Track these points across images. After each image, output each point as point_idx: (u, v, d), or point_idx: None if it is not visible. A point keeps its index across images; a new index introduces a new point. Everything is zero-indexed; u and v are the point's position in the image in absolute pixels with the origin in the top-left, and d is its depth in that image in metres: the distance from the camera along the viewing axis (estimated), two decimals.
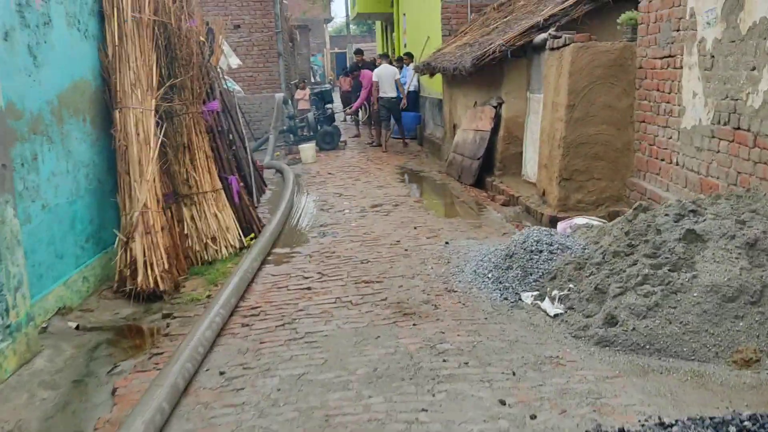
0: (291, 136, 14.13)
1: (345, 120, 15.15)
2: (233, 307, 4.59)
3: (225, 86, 11.19)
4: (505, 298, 4.53)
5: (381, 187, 9.33)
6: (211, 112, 6.37)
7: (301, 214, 7.87)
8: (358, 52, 15.75)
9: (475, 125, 9.47)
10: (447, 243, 6.06)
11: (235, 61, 11.65)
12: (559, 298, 4.24)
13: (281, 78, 16.51)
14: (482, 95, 9.75)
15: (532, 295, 4.47)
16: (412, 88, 14.91)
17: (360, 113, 15.29)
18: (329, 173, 10.77)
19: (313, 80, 38.51)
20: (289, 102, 13.99)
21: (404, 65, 15.95)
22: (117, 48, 5.58)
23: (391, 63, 16.51)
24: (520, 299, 4.50)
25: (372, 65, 15.22)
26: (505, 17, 10.56)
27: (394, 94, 13.74)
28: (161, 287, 5.02)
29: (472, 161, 9.18)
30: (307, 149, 12.33)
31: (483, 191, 8.70)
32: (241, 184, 6.72)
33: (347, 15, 31.83)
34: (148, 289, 4.98)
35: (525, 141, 8.48)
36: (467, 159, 9.42)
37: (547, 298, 4.33)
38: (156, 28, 5.82)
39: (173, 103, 5.85)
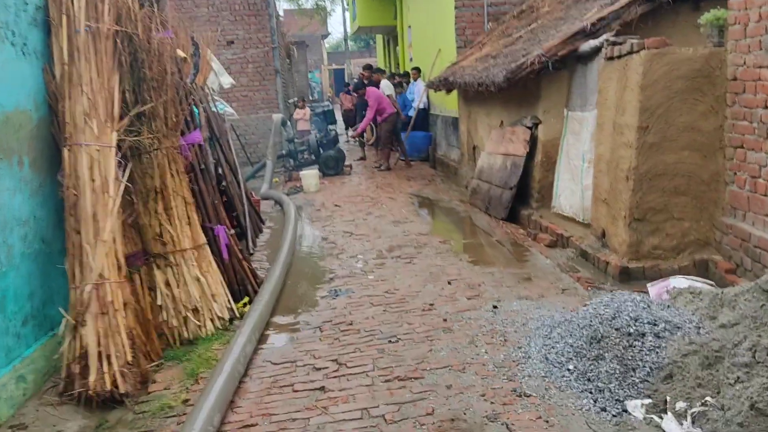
0: (291, 160, 12.86)
1: (348, 141, 13.83)
2: (217, 427, 3.26)
3: (215, 109, 9.95)
4: (603, 409, 3.20)
5: (397, 222, 8.01)
6: (192, 146, 5.06)
7: (305, 261, 6.56)
8: (368, 67, 14.47)
9: (505, 149, 8.18)
10: (495, 307, 4.74)
11: (227, 80, 10.38)
12: (691, 416, 2.91)
13: (278, 97, 15.26)
14: (510, 114, 8.48)
15: (642, 405, 3.15)
16: (421, 106, 13.67)
17: (365, 135, 14.02)
18: (336, 204, 9.47)
19: (311, 98, 37.42)
20: (288, 123, 12.73)
21: (411, 80, 14.76)
22: (67, 67, 4.29)
23: (391, 78, 15.32)
24: (626, 410, 3.17)
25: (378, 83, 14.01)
26: (529, 25, 9.30)
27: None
28: (122, 388, 3.70)
29: (503, 191, 7.88)
30: (310, 177, 11.03)
31: (519, 227, 7.39)
32: (232, 231, 5.40)
33: (345, 30, 30.77)
34: (103, 392, 3.66)
35: (558, 166, 7.19)
36: (496, 188, 8.12)
37: (669, 414, 3.00)
38: (119, 41, 4.53)
39: (141, 137, 4.55)
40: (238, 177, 7.57)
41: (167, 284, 4.49)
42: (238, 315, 4.86)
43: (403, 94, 14.72)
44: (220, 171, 6.97)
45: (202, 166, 4.97)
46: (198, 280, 4.53)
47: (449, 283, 5.41)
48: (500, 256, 6.33)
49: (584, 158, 6.50)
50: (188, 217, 4.63)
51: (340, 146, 12.95)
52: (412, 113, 14.22)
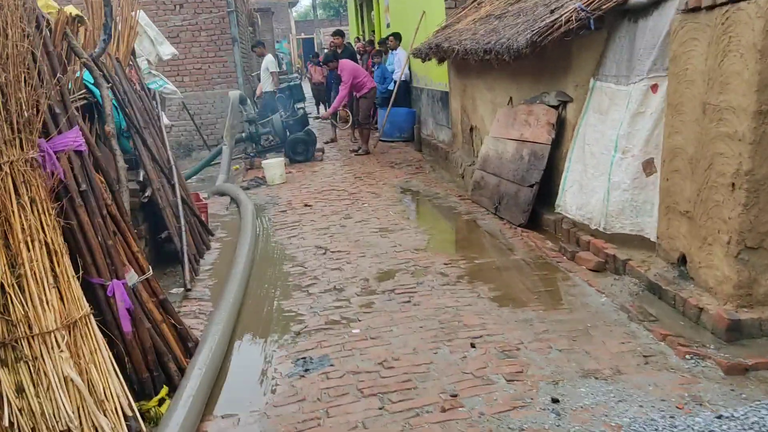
0: (252, 145, 10.95)
1: (318, 119, 11.90)
2: None
3: (154, 87, 8.02)
4: None
5: (385, 230, 6.24)
6: (66, 155, 3.17)
7: (262, 300, 4.77)
8: (338, 33, 12.46)
9: (519, 133, 6.43)
10: (556, 401, 3.03)
11: (167, 51, 8.43)
12: None
13: (238, 70, 13.26)
14: (522, 89, 6.71)
15: None
16: (403, 78, 11.81)
17: (339, 114, 12.14)
18: (305, 204, 7.64)
19: (278, 70, 35.16)
20: (248, 101, 10.81)
21: (390, 50, 12.87)
22: None
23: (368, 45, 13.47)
24: None
25: (352, 53, 12.05)
26: None
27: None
28: None
29: (520, 189, 6.14)
30: (273, 166, 9.17)
31: (543, 236, 5.68)
32: (145, 276, 3.56)
33: None
34: None
35: (570, 153, 5.49)
36: (509, 184, 6.38)
37: None
38: None
39: None
40: (174, 179, 5.71)
41: (19, 391, 2.68)
42: (154, 415, 3.09)
43: (381, 65, 12.84)
44: (144, 173, 5.12)
45: (83, 187, 3.11)
46: (72, 380, 2.72)
47: (473, 346, 3.67)
48: (532, 286, 4.60)
49: (616, 146, 4.80)
50: (55, 276, 2.80)
51: (310, 127, 11.07)
52: (392, 87, 12.37)
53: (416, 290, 4.62)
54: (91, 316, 2.92)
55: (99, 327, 2.94)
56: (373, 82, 10.94)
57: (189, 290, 4.78)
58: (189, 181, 10.63)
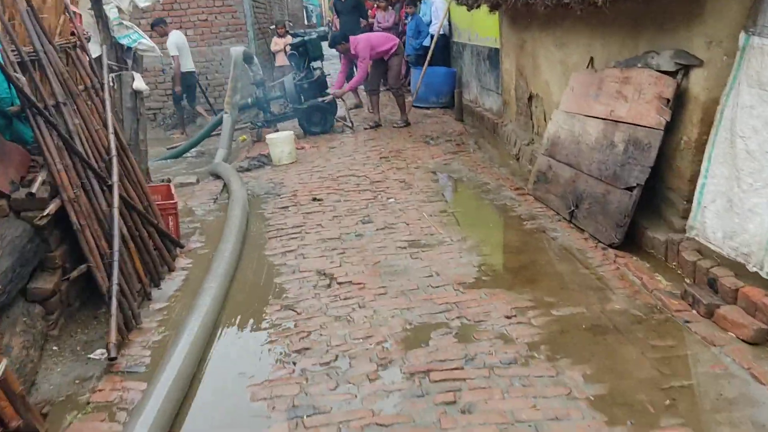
0: (261, 113, 9.16)
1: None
2: None
3: (118, 42, 6.30)
4: None
5: (416, 246, 4.45)
6: None
7: (224, 387, 3.08)
8: None
9: (610, 110, 4.53)
10: None
11: None
12: None
13: (248, 22, 11.40)
14: (611, 44, 4.79)
15: None
16: (441, 31, 9.85)
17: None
18: (314, 198, 5.87)
19: (306, 23, 33.01)
20: (254, 59, 8.99)
21: None
22: None
23: None
24: None
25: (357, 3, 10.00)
26: None
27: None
28: None
29: (610, 190, 4.28)
30: (280, 143, 7.40)
31: (648, 264, 3.84)
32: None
33: None
34: None
35: (710, 150, 3.59)
36: (594, 181, 4.51)
37: None
38: None
39: None
40: (114, 177, 3.98)
41: None
42: None
43: (416, 15, 10.86)
44: (41, 180, 3.42)
45: None
46: None
47: None
48: (657, 375, 2.81)
49: None
50: None
51: (330, 91, 9.23)
52: (428, 42, 10.43)
53: (465, 376, 2.87)
54: None
55: None
56: (394, 38, 9.00)
57: (113, 359, 3.11)
58: (187, 155, 8.98)
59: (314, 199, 5.78)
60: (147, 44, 6.52)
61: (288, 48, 8.76)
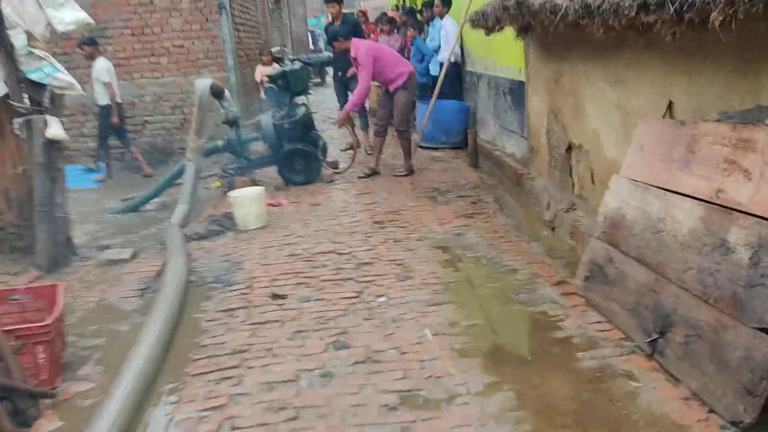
0: (239, 158, 7.54)
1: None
2: None
3: (26, 77, 4.78)
4: None
5: (415, 405, 2.81)
6: None
7: None
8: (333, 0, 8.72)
9: (714, 188, 2.89)
10: None
11: (71, 17, 5.08)
12: None
13: (226, 47, 9.88)
14: (708, 85, 3.16)
15: None
16: (452, 59, 8.29)
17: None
18: (274, 294, 4.20)
19: (312, 48, 31.64)
20: (225, 93, 7.42)
21: (434, 17, 9.39)
22: None
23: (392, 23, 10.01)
24: None
25: (353, 27, 8.42)
26: None
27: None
28: None
29: (731, 325, 2.61)
30: (245, 203, 5.79)
31: None
32: None
33: None
34: None
35: None
36: (697, 303, 2.85)
37: None
38: None
39: None
40: None
41: None
42: None
43: (417, 39, 9.35)
44: None
45: None
46: None
47: None
48: None
49: None
50: None
51: (316, 132, 7.64)
52: (435, 72, 8.92)
53: None
54: None
55: None
56: (408, 64, 7.45)
57: None
58: (150, 205, 7.43)
59: (275, 296, 4.14)
60: (64, 79, 4.96)
61: (265, 80, 7.20)
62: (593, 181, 4.61)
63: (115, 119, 8.90)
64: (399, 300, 3.95)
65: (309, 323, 3.72)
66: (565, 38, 4.53)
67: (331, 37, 7.45)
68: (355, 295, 4.07)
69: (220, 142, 7.46)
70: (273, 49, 13.89)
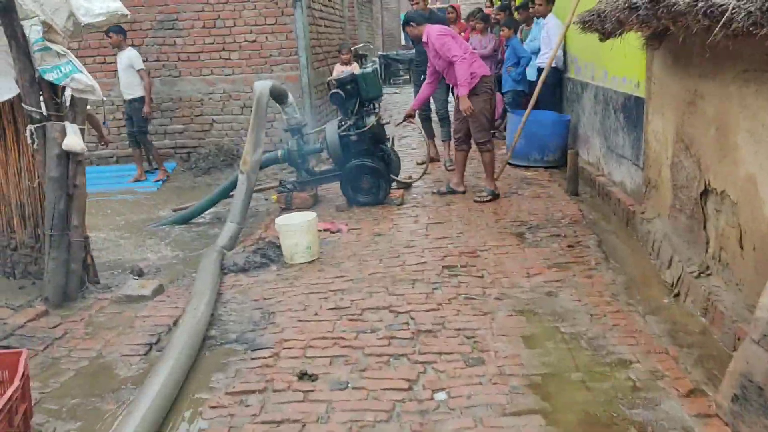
0: (301, 172, 6.66)
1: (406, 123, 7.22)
2: None
3: (42, 76, 4.00)
4: None
5: None
6: None
7: None
8: None
9: None
10: None
11: (98, 5, 4.33)
12: None
13: (300, 44, 9.06)
14: None
15: None
16: (553, 63, 7.11)
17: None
18: (302, 372, 3.21)
19: (403, 44, 30.62)
20: (289, 97, 6.57)
21: (534, 17, 8.25)
22: None
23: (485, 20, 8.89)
24: None
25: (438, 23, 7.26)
26: None
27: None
28: None
29: None
30: (293, 233, 4.87)
31: None
32: None
33: None
34: None
35: None
36: None
37: None
38: None
39: None
40: None
41: None
42: None
43: (513, 39, 8.20)
44: None
45: None
46: None
47: None
48: None
49: None
50: None
51: (388, 145, 6.67)
52: (533, 77, 7.79)
53: None
54: None
55: None
56: (484, 66, 6.32)
57: None
58: (199, 218, 6.74)
59: (303, 375, 3.18)
60: (84, 81, 4.19)
61: (333, 84, 6.30)
62: (741, 245, 3.38)
63: (147, 109, 8.37)
64: (465, 401, 2.91)
65: (338, 430, 2.74)
66: (715, 50, 3.31)
67: (404, 23, 6.46)
68: (406, 386, 3.05)
69: (279, 152, 6.61)
70: (357, 46, 13.04)
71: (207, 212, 6.95)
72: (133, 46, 8.80)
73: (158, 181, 8.67)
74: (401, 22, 7.10)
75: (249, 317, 3.97)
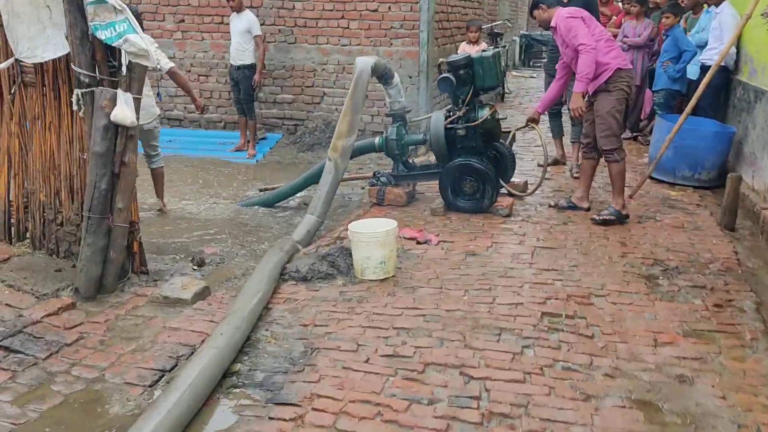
0: (398, 165, 5.82)
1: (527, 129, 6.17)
2: None
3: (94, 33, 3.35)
4: None
5: None
6: None
7: None
8: None
9: None
10: None
11: None
12: None
13: (422, 17, 8.16)
14: None
15: None
16: (722, 62, 5.74)
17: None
18: None
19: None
20: (394, 76, 5.74)
21: (705, 4, 6.84)
22: None
23: None
24: None
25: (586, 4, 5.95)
26: None
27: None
28: None
29: None
30: (365, 244, 4.05)
31: None
32: None
33: None
34: None
35: None
36: None
37: None
38: None
39: None
40: None
41: None
42: None
43: (676, 29, 6.84)
44: None
45: None
46: None
47: None
48: None
49: None
50: None
51: (503, 143, 5.67)
52: (693, 76, 6.45)
53: None
54: None
55: None
56: (623, 56, 5.12)
57: None
58: (286, 203, 6.19)
59: None
60: (138, 45, 3.57)
61: (444, 68, 5.36)
62: None
63: (257, 77, 7.97)
64: None
65: None
66: None
67: (532, 6, 5.36)
68: None
69: (377, 139, 5.80)
70: (493, 23, 11.89)
71: (297, 196, 6.34)
72: (250, 8, 8.32)
73: (252, 157, 8.18)
74: (529, 5, 6.01)
75: (288, 350, 3.22)
